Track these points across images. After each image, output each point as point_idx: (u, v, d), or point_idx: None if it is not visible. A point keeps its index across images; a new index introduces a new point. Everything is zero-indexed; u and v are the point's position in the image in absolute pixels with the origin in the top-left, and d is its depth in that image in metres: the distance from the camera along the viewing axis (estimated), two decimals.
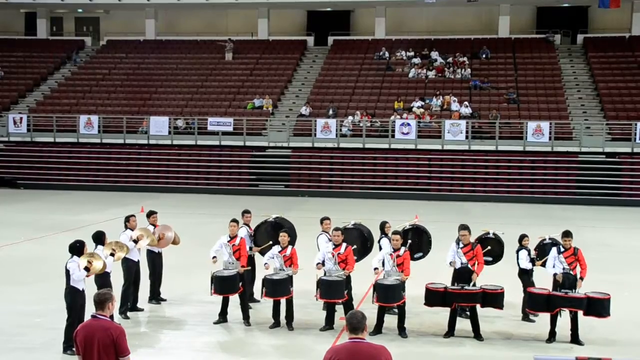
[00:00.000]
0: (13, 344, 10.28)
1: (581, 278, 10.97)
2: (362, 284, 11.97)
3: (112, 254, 10.63)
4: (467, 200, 27.63)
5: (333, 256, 10.93)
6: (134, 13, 41.07)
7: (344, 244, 11.04)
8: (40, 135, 32.28)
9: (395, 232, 11.14)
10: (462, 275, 11.04)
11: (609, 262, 16.57)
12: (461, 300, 10.67)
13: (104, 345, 6.28)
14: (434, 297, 10.68)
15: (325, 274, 10.97)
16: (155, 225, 12.50)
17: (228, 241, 11.41)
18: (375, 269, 10.83)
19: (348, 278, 11.12)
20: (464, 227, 11.32)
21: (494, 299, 10.66)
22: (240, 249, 11.38)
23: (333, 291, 10.68)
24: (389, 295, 10.42)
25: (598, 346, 10.33)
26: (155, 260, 12.47)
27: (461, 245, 11.14)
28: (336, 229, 11.26)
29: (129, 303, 11.79)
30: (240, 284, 11.11)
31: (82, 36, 42.39)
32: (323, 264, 11.05)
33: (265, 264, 11.29)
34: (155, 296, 12.50)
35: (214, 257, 11.43)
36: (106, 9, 42.15)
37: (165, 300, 12.57)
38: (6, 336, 10.61)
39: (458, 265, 11.11)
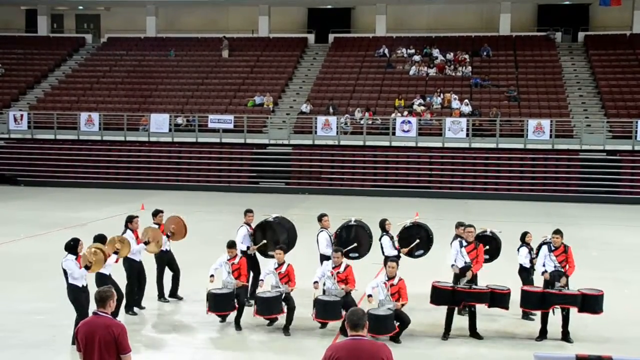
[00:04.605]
0: (13, 340, 10.28)
1: (566, 275, 10.95)
2: (361, 283, 11.91)
3: (115, 252, 10.56)
4: (467, 198, 27.62)
5: (332, 275, 10.74)
6: (135, 10, 41.08)
7: (344, 263, 10.83)
8: (41, 133, 32.27)
9: (391, 260, 10.73)
10: (465, 274, 10.97)
11: (609, 259, 16.58)
12: (470, 299, 10.55)
13: (105, 342, 6.28)
14: (441, 295, 10.50)
15: (324, 293, 10.80)
16: (160, 225, 12.47)
17: (228, 259, 11.15)
18: (369, 295, 10.38)
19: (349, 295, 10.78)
20: (469, 225, 11.28)
21: (501, 299, 10.62)
22: (240, 268, 11.14)
23: (329, 312, 10.45)
24: (380, 326, 9.95)
25: (592, 343, 10.32)
26: (163, 258, 12.42)
27: (464, 244, 11.11)
28: (336, 250, 11.05)
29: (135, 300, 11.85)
30: (236, 301, 10.86)
31: (83, 33, 42.41)
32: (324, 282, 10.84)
33: (261, 280, 11.10)
34: (174, 293, 12.52)
35: (212, 275, 11.12)
36: (107, 6, 42.16)
37: (180, 299, 12.50)
38: (6, 333, 10.61)
39: (461, 265, 11.06)
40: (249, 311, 11.01)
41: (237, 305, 10.84)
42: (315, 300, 10.55)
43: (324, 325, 10.83)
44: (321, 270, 10.98)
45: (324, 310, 10.46)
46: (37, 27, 41.59)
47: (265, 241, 12.02)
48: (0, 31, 41.41)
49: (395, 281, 10.43)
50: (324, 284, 10.97)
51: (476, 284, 11.12)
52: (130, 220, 11.83)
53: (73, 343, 9.68)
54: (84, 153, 31.36)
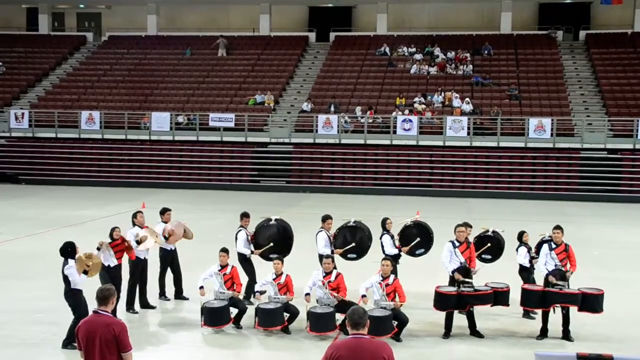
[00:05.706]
0: (13, 339, 10.29)
1: (570, 272, 10.94)
2: (359, 282, 11.90)
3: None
4: (468, 196, 27.62)
5: (324, 284, 10.57)
6: (136, 9, 41.11)
7: (335, 272, 10.67)
8: (42, 131, 32.30)
9: (385, 258, 10.68)
10: (461, 274, 10.94)
11: (609, 258, 16.57)
12: (476, 302, 10.52)
13: (105, 340, 6.28)
14: (446, 300, 10.41)
15: (317, 302, 10.61)
16: (167, 223, 12.46)
17: (219, 270, 10.89)
18: (363, 296, 10.35)
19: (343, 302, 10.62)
20: (461, 224, 11.29)
21: (502, 297, 10.65)
22: (233, 277, 10.94)
23: (323, 324, 10.28)
24: (379, 328, 9.74)
25: (593, 342, 10.30)
26: (166, 257, 12.43)
27: (457, 244, 11.09)
28: (327, 257, 10.94)
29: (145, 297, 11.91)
30: (235, 311, 10.75)
31: (84, 32, 42.42)
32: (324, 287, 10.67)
33: (256, 292, 10.88)
34: (178, 294, 12.49)
35: (201, 287, 10.86)
36: (108, 5, 42.18)
37: (185, 299, 12.45)
38: (7, 331, 10.62)
39: (456, 266, 11.02)
40: (248, 311, 11.02)
41: (232, 318, 10.70)
42: (308, 312, 10.35)
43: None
44: (312, 280, 10.76)
45: (318, 322, 10.28)
46: (38, 26, 41.61)
47: (272, 244, 11.93)
48: (1, 29, 41.47)
49: (390, 280, 10.36)
50: (317, 292, 10.77)
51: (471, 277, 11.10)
52: (135, 216, 11.88)
53: (64, 347, 9.71)
54: (85, 151, 31.36)
